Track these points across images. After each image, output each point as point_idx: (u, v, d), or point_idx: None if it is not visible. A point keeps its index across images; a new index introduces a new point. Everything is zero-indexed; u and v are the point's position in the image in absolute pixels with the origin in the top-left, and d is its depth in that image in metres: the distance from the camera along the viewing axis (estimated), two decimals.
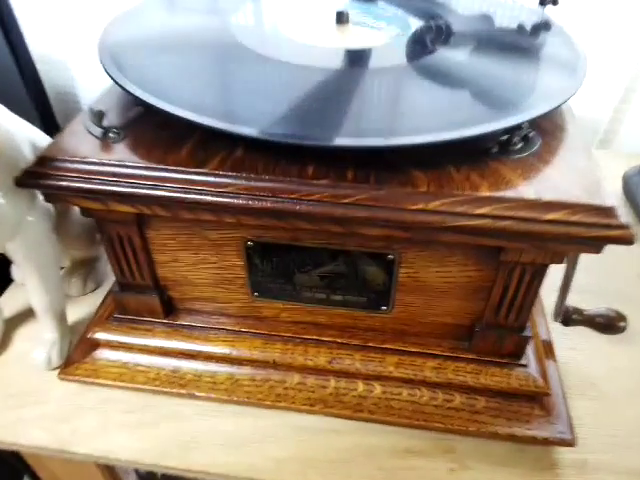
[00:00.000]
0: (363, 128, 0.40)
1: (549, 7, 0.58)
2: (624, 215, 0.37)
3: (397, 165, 0.41)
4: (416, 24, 0.56)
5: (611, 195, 0.38)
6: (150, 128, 0.45)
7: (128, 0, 0.60)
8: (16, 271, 0.66)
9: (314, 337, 0.53)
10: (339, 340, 0.53)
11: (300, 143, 0.38)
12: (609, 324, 0.55)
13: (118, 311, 0.56)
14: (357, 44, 0.51)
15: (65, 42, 0.95)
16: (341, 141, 0.39)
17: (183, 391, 0.54)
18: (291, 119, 0.41)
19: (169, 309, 0.55)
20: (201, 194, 0.40)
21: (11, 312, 0.64)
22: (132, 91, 0.43)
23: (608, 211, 0.37)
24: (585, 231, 0.37)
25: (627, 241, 0.37)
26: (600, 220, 0.37)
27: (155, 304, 0.54)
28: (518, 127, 0.42)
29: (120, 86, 0.44)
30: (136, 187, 0.41)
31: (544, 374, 0.52)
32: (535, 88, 0.46)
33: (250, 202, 0.40)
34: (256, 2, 0.61)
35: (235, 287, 0.52)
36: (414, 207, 0.39)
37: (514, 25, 0.56)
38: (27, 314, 0.62)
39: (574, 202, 0.37)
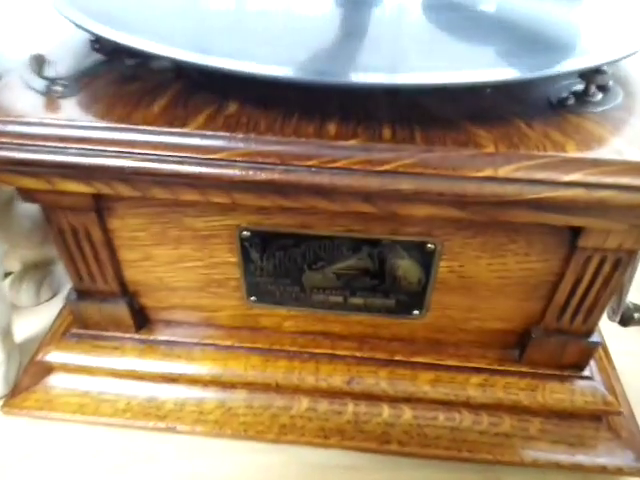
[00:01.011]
0: (403, 66, 0.29)
1: None
2: None
3: (449, 119, 0.30)
4: None
5: None
6: (112, 81, 0.33)
7: None
8: None
9: (327, 351, 0.43)
10: (358, 354, 0.42)
11: (322, 82, 0.27)
12: None
13: (77, 325, 0.44)
14: None
15: None
16: (378, 79, 0.27)
17: (162, 424, 0.43)
18: (306, 57, 0.30)
19: (142, 321, 0.44)
20: (181, 162, 0.29)
21: None
22: (83, 24, 0.31)
23: None
24: None
25: None
26: None
27: (123, 315, 0.42)
28: (598, 72, 0.32)
29: (71, 22, 0.32)
30: (91, 155, 0.29)
31: (612, 388, 0.41)
32: (612, 27, 0.36)
33: (250, 173, 0.28)
34: None
35: (226, 291, 0.40)
36: (480, 174, 0.28)
37: None
38: None
39: None
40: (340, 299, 0.40)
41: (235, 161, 0.29)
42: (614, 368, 0.45)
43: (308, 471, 0.41)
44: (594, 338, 0.39)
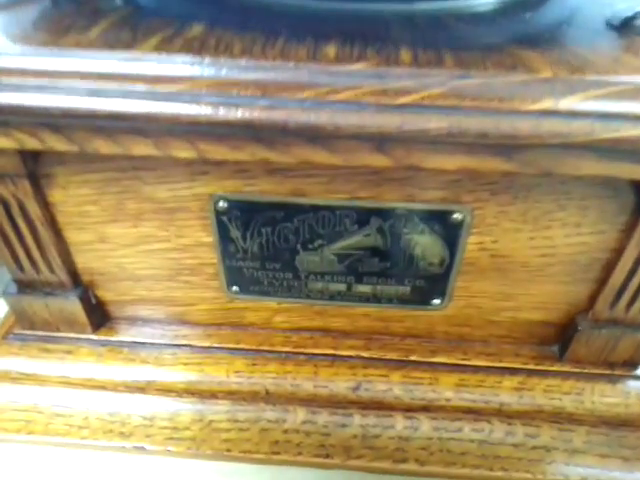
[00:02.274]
0: None
1: None
2: None
3: (487, 41, 0.22)
4: None
5: None
6: (38, 5, 0.25)
7: None
8: None
9: (328, 352, 0.35)
10: (366, 354, 0.34)
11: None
12: None
13: (21, 325, 0.36)
14: None
15: None
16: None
17: (127, 444, 0.34)
18: None
19: (100, 318, 0.36)
20: (125, 97, 0.21)
21: None
22: None
23: None
24: None
25: None
26: None
27: (77, 311, 0.34)
28: None
29: None
30: (5, 90, 0.21)
31: None
32: None
33: (221, 110, 0.21)
34: None
35: (202, 279, 0.32)
36: (536, 106, 0.20)
37: None
38: None
39: None
40: (343, 287, 0.32)
41: (200, 95, 0.21)
42: None
43: None
44: None
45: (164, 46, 0.22)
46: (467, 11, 0.24)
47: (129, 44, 0.22)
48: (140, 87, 0.21)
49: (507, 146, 0.21)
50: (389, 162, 0.22)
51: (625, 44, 0.23)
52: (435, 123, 0.20)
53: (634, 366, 0.34)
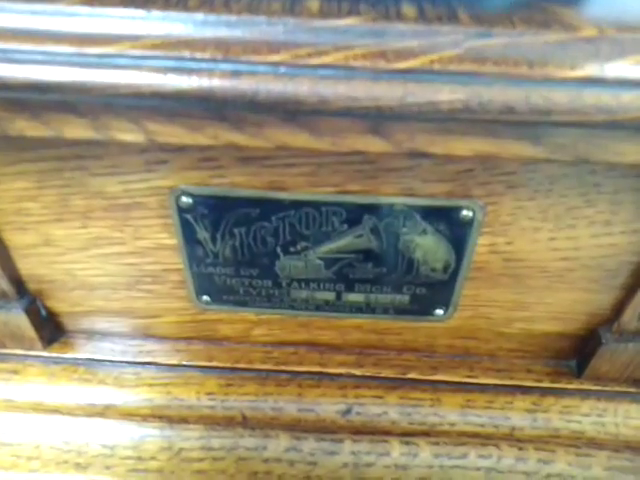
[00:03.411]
0: None
1: None
2: None
3: None
4: None
5: None
6: None
7: None
8: None
9: (314, 369, 0.30)
10: (357, 372, 0.30)
11: None
12: None
13: None
14: None
15: None
16: None
17: (84, 477, 0.29)
18: None
19: (52, 333, 0.32)
20: (49, 63, 0.16)
21: None
22: None
23: None
24: None
25: None
26: None
27: (23, 324, 0.29)
28: None
29: None
30: None
31: None
32: None
33: (171, 77, 0.16)
34: None
35: (166, 288, 0.27)
36: (576, 73, 0.15)
37: None
38: None
39: None
40: (331, 296, 0.27)
41: (143, 57, 0.16)
42: None
43: None
44: None
45: None
46: None
47: None
48: (66, 49, 0.16)
49: (537, 124, 0.16)
50: (387, 147, 0.18)
51: None
52: (447, 95, 0.15)
53: None
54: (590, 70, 0.16)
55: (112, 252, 0.26)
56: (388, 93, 0.16)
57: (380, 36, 0.16)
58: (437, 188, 0.22)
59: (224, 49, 0.16)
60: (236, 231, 0.25)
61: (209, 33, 0.16)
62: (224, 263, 0.26)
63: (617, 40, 0.16)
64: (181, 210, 0.24)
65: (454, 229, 0.24)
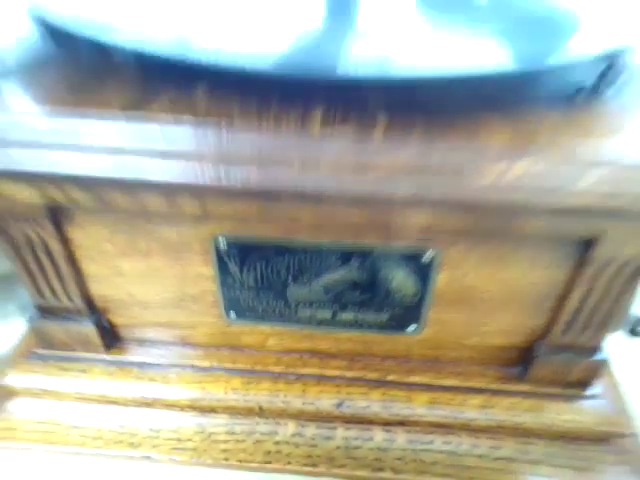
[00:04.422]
0: (394, 56, 0.25)
1: None
2: None
3: (448, 113, 0.26)
4: None
5: None
6: (62, 71, 0.28)
7: None
8: None
9: (315, 372, 0.38)
10: (349, 374, 0.37)
11: (306, 76, 0.22)
12: None
13: (41, 345, 0.39)
14: None
15: None
16: (366, 71, 0.23)
17: (136, 453, 0.37)
18: (288, 46, 0.25)
19: (112, 340, 0.39)
20: (142, 165, 0.24)
21: None
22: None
23: None
24: None
25: None
26: None
27: (91, 334, 0.37)
28: (611, 62, 0.28)
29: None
30: (30, 146, 0.24)
31: (620, 408, 0.37)
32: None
33: (222, 175, 0.24)
34: None
35: (203, 307, 0.35)
36: (488, 176, 0.23)
37: None
38: None
39: None
40: (328, 314, 0.35)
41: (205, 163, 0.24)
42: (620, 385, 0.41)
43: None
44: (602, 355, 0.35)
45: (171, 105, 0.25)
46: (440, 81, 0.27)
47: (139, 102, 0.25)
48: (154, 159, 0.24)
49: (464, 208, 0.24)
50: (364, 218, 0.25)
51: (571, 114, 0.26)
52: (402, 190, 0.23)
53: (585, 386, 0.37)
54: (497, 173, 0.23)
55: (165, 280, 0.34)
56: (364, 188, 0.24)
57: (359, 154, 0.24)
58: (406, 238, 0.30)
59: (257, 159, 0.24)
60: (257, 265, 0.33)
61: (247, 149, 0.24)
62: (248, 288, 0.34)
63: (515, 150, 0.24)
64: (218, 251, 0.32)
65: (419, 267, 0.32)
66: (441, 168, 0.23)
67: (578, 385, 0.36)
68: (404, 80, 0.24)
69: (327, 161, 0.23)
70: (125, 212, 0.29)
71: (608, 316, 0.32)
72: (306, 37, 0.26)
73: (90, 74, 0.27)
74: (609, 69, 0.27)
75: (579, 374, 0.36)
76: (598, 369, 0.36)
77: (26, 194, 0.27)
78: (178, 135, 0.24)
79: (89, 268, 0.34)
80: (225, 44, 0.24)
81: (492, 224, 0.25)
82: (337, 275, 0.33)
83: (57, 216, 0.30)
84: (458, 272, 0.31)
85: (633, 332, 0.42)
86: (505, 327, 0.35)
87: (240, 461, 0.37)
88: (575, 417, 0.36)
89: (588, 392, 0.36)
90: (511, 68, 0.24)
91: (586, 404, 0.36)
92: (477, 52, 0.25)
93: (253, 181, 0.23)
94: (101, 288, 0.35)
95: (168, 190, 0.25)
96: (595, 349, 0.35)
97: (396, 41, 0.26)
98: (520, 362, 0.37)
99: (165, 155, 0.24)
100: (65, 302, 0.35)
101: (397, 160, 0.23)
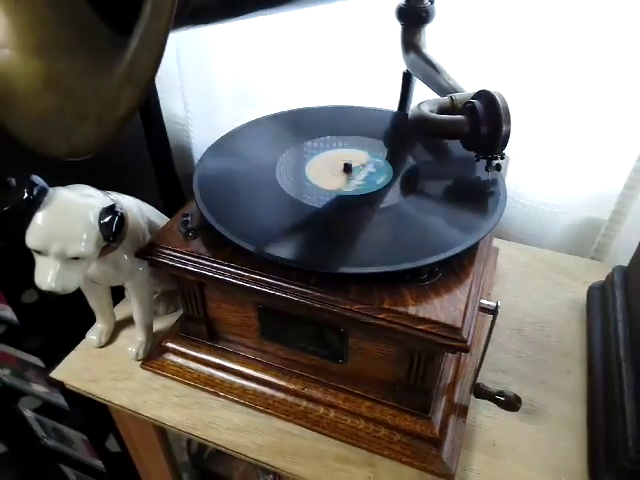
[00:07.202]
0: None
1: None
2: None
3: (340, 281, 0.63)
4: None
5: (461, 319, 0.58)
6: (212, 234, 0.71)
7: None
8: (126, 293, 0.94)
9: (297, 371, 0.69)
10: (312, 376, 0.68)
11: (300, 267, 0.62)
12: (508, 402, 0.72)
13: (182, 331, 0.76)
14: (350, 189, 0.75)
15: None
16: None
17: (212, 389, 0.71)
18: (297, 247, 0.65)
19: (212, 335, 0.73)
20: (233, 278, 0.66)
21: (120, 317, 0.83)
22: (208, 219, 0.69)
23: (456, 329, 0.58)
24: (440, 339, 0.58)
25: (464, 350, 0.57)
26: (449, 334, 0.57)
27: (204, 331, 0.74)
28: (428, 265, 0.64)
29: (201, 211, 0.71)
30: (199, 268, 0.67)
31: (443, 427, 0.70)
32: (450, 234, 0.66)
33: (263, 289, 0.64)
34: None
35: (251, 329, 0.69)
36: (344, 307, 0.61)
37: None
38: (129, 321, 0.81)
39: (437, 320, 0.58)
40: (304, 345, 0.67)
41: (256, 282, 0.65)
42: (463, 418, 0.71)
43: (275, 431, 0.72)
44: (431, 396, 0.68)
45: (247, 263, 0.66)
46: None
47: (236, 258, 0.67)
48: (239, 277, 0.66)
49: (340, 317, 0.62)
50: (310, 312, 0.65)
51: (389, 288, 0.63)
52: (316, 304, 0.62)
53: (424, 410, 0.70)
54: (348, 306, 0.61)
55: (237, 314, 0.74)
56: (307, 305, 0.63)
57: (303, 287, 0.63)
58: (334, 321, 0.68)
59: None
60: (274, 317, 0.73)
61: None
62: (270, 326, 0.74)
63: None
64: (259, 308, 0.72)
65: (340, 334, 0.69)
66: (329, 302, 0.62)
67: (420, 409, 0.69)
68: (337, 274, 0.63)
69: (284, 290, 0.64)
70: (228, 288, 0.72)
71: (425, 377, 0.67)
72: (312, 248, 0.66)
73: (222, 241, 0.70)
74: (421, 271, 0.64)
75: (418, 403, 0.64)
76: (429, 403, 0.66)
77: (194, 279, 0.70)
78: (248, 274, 0.66)
79: (209, 304, 0.73)
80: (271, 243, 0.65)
81: (351, 324, 0.63)
82: (308, 330, 0.70)
83: (201, 284, 0.73)
84: (356, 339, 0.66)
85: (476, 394, 0.74)
86: (383, 370, 0.62)
87: (255, 405, 0.74)
88: (412, 424, 0.65)
89: (425, 414, 0.69)
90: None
91: (421, 419, 0.68)
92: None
93: (277, 295, 0.64)
94: (212, 312, 0.73)
95: (244, 289, 0.67)
96: (427, 392, 0.68)
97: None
98: (393, 389, 0.71)
99: (242, 278, 0.66)
100: (196, 315, 0.77)
101: (315, 295, 0.63)
